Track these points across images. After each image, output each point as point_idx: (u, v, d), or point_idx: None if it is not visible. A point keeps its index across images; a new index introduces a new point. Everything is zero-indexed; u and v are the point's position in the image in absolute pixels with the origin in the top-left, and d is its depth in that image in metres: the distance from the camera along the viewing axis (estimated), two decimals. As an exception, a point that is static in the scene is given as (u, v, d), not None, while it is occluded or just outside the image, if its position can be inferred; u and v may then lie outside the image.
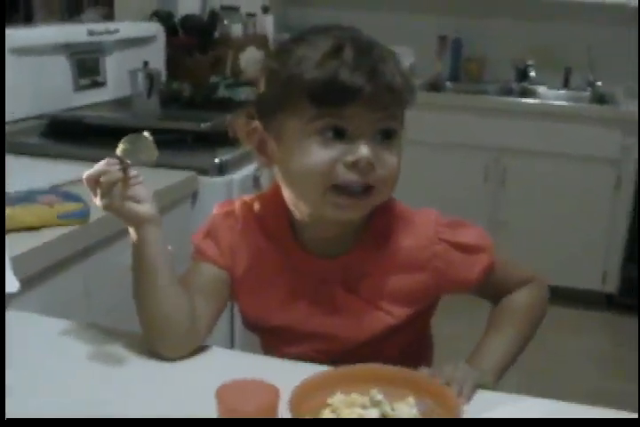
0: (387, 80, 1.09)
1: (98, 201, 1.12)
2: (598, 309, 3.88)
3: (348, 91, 1.07)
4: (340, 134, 1.10)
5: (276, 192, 1.24)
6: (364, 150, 1.09)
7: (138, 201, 1.14)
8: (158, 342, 1.19)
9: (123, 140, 1.13)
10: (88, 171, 1.10)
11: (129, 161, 1.11)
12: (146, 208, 1.15)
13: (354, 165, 1.09)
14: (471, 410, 1.06)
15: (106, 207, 1.12)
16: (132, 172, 1.12)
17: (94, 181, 1.10)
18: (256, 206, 1.29)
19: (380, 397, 1.00)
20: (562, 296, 3.87)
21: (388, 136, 1.13)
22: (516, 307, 1.33)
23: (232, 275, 1.27)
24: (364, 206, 1.16)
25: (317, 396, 1.01)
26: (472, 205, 3.86)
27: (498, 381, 1.21)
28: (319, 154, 1.10)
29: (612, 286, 3.85)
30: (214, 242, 1.27)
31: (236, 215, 1.29)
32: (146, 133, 1.15)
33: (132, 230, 1.17)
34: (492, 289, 1.33)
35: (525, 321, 1.33)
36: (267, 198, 1.29)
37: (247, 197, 1.31)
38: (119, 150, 1.12)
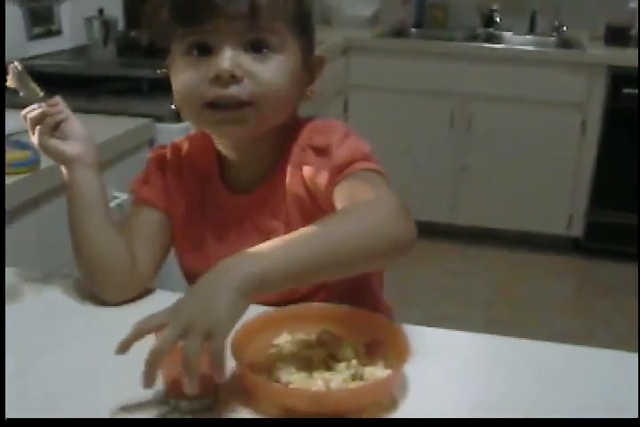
0: None
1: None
2: (564, 253, 3.91)
3: (201, 4, 1.04)
4: (205, 51, 1.07)
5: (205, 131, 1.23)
6: (222, 62, 1.05)
7: (65, 139, 1.15)
8: (97, 285, 1.19)
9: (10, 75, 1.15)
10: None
11: (21, 93, 1.14)
12: (72, 147, 1.16)
13: (216, 79, 1.06)
14: (430, 349, 1.06)
15: (36, 144, 1.16)
16: (55, 109, 1.14)
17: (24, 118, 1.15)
18: (185, 147, 1.27)
19: (326, 336, 1.00)
20: (528, 241, 3.92)
21: (259, 48, 1.08)
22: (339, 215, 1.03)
23: (171, 217, 1.26)
24: (242, 120, 1.09)
25: (263, 336, 1.00)
26: (438, 152, 3.87)
27: (252, 295, 0.88)
28: (186, 74, 1.08)
29: (577, 231, 3.86)
30: (150, 186, 1.26)
31: (167, 159, 1.27)
32: (17, 65, 1.15)
33: (62, 170, 1.18)
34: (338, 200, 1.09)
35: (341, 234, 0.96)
36: (197, 137, 1.27)
37: (178, 139, 1.30)
38: (8, 82, 1.15)
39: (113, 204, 1.90)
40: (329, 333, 1.00)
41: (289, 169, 1.17)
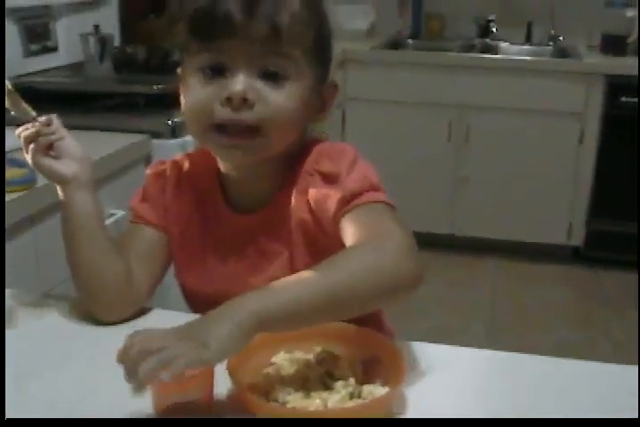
0: (267, 13, 1.03)
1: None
2: (564, 262, 3.91)
3: (221, 23, 1.03)
4: (219, 70, 1.06)
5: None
6: (236, 85, 1.04)
7: (60, 158, 1.15)
8: (93, 304, 1.18)
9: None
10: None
11: (12, 112, 1.14)
12: (66, 167, 1.15)
13: (228, 101, 1.04)
14: (430, 365, 1.05)
15: (30, 164, 1.15)
16: (49, 128, 1.13)
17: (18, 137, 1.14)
18: (186, 165, 1.26)
19: (323, 354, 0.99)
20: (528, 251, 3.91)
21: (274, 77, 1.06)
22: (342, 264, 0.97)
23: (169, 236, 1.25)
24: (248, 148, 1.09)
25: (261, 355, 1.00)
26: (436, 163, 3.87)
27: (251, 332, 0.87)
28: (198, 92, 1.07)
29: (577, 240, 3.87)
30: (149, 204, 1.25)
31: (166, 176, 1.26)
32: (7, 84, 1.15)
33: (57, 189, 1.17)
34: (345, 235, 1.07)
35: (341, 285, 0.94)
36: (198, 155, 1.26)
37: (178, 156, 1.29)
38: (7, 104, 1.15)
39: (110, 220, 1.90)
40: (326, 351, 1.00)
41: (294, 193, 1.15)
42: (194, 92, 1.08)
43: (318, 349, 1.00)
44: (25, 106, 1.14)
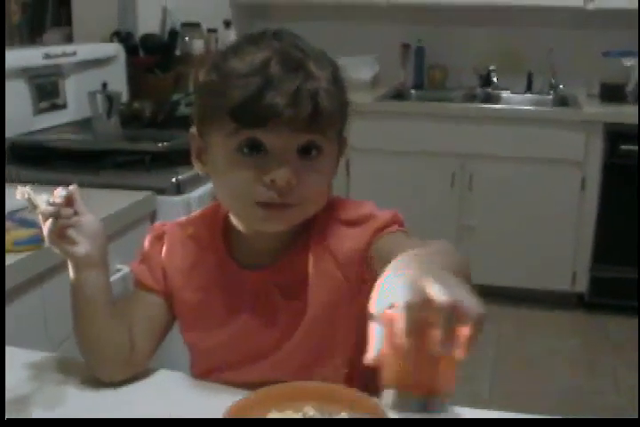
0: (311, 102, 1.07)
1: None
2: (569, 309, 3.92)
3: (266, 112, 1.05)
4: (258, 149, 1.09)
5: (216, 208, 1.25)
6: (281, 172, 1.08)
7: (73, 242, 1.15)
8: (94, 370, 1.22)
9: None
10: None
11: (29, 210, 1.15)
12: (79, 247, 1.15)
13: (272, 184, 1.08)
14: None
15: (46, 240, 1.15)
16: (68, 210, 1.14)
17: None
18: (190, 226, 1.28)
19: (312, 413, 1.02)
20: (533, 298, 3.92)
21: (309, 151, 1.11)
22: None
23: (170, 298, 1.27)
24: (287, 219, 1.14)
25: (252, 415, 1.02)
26: (440, 212, 3.90)
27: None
28: (238, 174, 1.10)
29: (581, 286, 3.88)
30: (148, 268, 1.27)
31: (165, 238, 1.28)
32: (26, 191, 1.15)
33: (69, 264, 1.18)
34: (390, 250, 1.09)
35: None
36: (204, 215, 1.28)
37: (182, 219, 1.31)
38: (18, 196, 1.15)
39: (116, 276, 1.93)
40: (316, 409, 1.02)
41: (313, 245, 1.19)
42: (233, 175, 1.11)
43: (308, 407, 1.03)
44: (41, 207, 1.13)
